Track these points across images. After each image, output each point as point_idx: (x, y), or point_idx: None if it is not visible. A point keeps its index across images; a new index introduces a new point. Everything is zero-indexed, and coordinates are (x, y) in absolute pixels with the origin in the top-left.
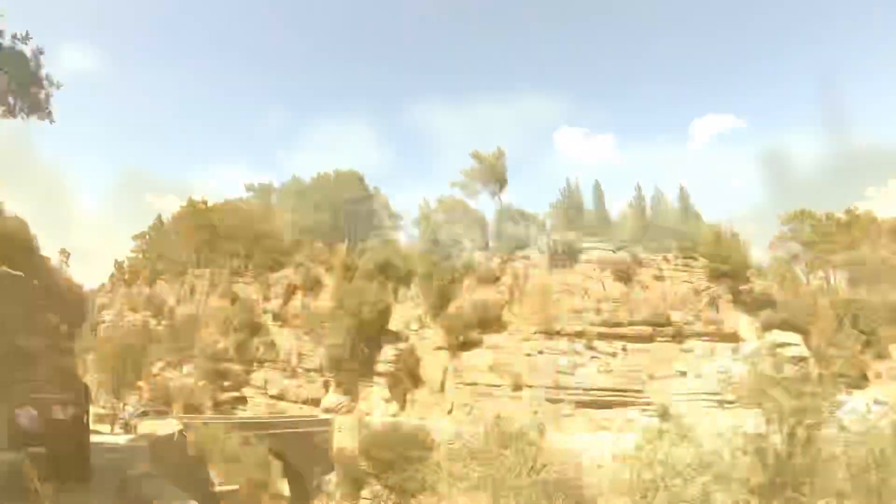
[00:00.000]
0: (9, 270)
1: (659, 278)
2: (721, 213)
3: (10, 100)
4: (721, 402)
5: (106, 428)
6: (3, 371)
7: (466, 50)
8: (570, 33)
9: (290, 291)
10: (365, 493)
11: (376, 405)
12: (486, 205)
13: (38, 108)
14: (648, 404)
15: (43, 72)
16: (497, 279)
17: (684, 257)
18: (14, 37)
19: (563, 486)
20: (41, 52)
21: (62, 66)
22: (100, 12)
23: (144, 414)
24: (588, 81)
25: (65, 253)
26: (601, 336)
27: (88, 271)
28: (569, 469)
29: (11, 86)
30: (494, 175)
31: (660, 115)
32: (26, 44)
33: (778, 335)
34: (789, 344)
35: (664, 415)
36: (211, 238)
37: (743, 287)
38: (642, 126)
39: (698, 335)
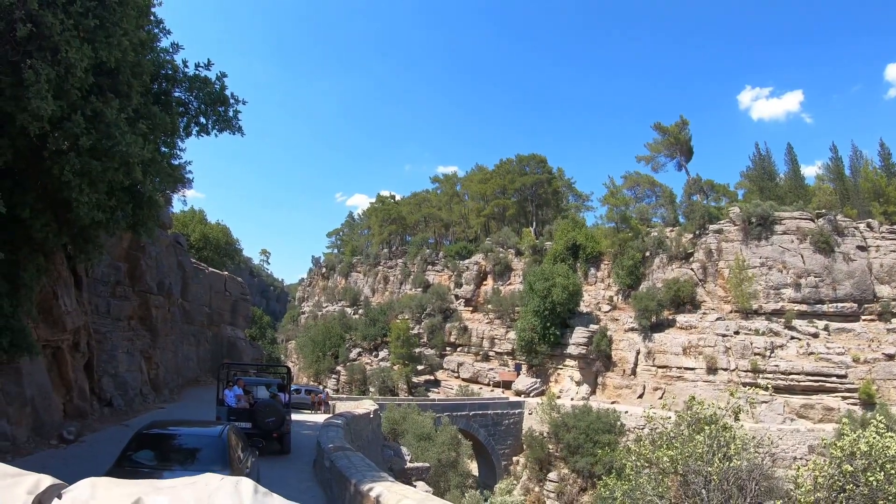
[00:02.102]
0: (215, 270)
1: (863, 248)
2: None
3: (203, 119)
4: None
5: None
6: (214, 357)
7: (637, 15)
8: None
9: (481, 277)
10: (552, 475)
11: (567, 388)
12: (673, 178)
13: (227, 124)
14: (852, 391)
15: (227, 92)
16: (689, 256)
17: (890, 223)
18: (197, 65)
19: (756, 476)
20: (224, 76)
21: (253, 81)
22: (275, 32)
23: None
24: (768, 33)
25: (265, 252)
26: (801, 314)
27: (288, 267)
28: (762, 458)
29: (201, 107)
30: (679, 146)
31: (851, 63)
32: (209, 70)
33: None
34: None
35: (869, 403)
36: (401, 230)
37: None
38: (832, 78)
39: None
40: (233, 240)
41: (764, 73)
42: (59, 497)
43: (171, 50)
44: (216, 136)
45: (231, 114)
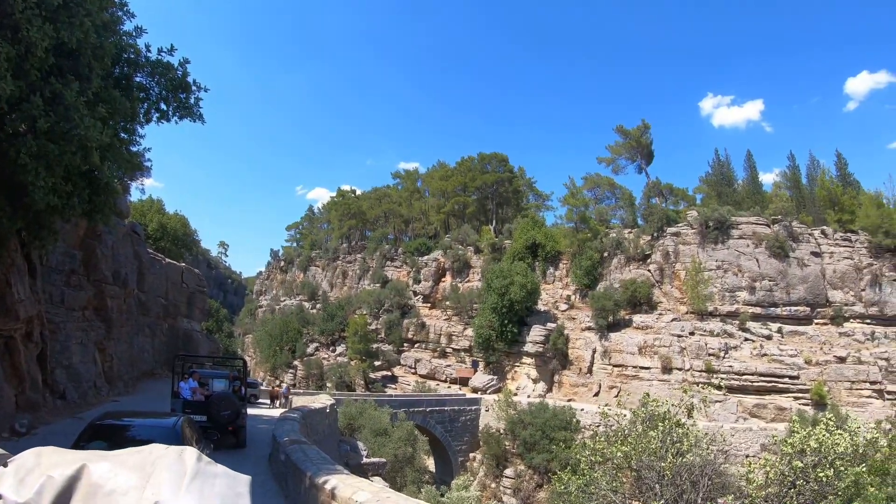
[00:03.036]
0: (173, 261)
1: (817, 254)
2: (883, 181)
3: (163, 106)
4: (881, 392)
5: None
6: (169, 349)
7: (603, 20)
8: None
9: (440, 273)
10: (508, 471)
11: (524, 385)
12: (633, 180)
13: (188, 111)
14: (804, 392)
15: (190, 79)
16: (647, 257)
17: (844, 231)
18: (160, 50)
19: (709, 472)
20: (187, 62)
21: (215, 72)
22: (238, 21)
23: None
24: (732, 43)
25: (224, 244)
26: (755, 317)
27: (246, 260)
28: (715, 455)
29: (162, 93)
30: (640, 149)
31: (811, 75)
32: (172, 55)
33: None
34: None
35: (820, 403)
36: (361, 225)
37: None
38: (793, 89)
39: (859, 317)
40: (191, 231)
41: (726, 81)
42: (5, 465)
43: (133, 34)
44: (176, 123)
45: (192, 101)
